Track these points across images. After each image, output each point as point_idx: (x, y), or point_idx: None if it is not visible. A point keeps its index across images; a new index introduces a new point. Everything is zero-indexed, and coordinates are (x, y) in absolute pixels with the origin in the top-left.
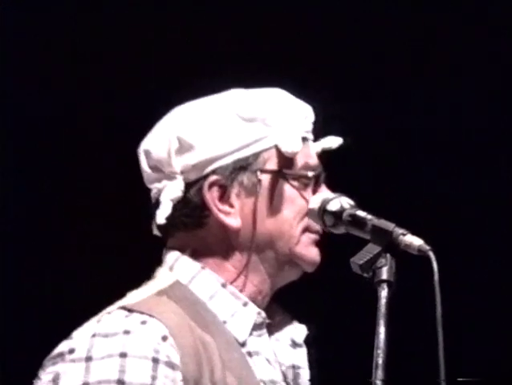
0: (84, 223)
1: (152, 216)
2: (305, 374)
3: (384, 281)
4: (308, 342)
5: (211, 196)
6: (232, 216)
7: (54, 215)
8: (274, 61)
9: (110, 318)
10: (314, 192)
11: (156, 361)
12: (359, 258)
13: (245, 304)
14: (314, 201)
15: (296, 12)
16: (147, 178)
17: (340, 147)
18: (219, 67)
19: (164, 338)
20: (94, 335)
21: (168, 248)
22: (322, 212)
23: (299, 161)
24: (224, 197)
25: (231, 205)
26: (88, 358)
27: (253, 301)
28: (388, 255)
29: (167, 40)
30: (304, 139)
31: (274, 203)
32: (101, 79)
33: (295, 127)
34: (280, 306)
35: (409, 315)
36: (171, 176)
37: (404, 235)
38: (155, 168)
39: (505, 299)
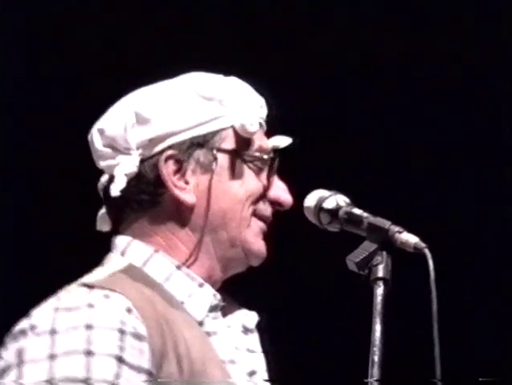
0: (85, 223)
1: (105, 195)
2: (260, 358)
3: (379, 278)
4: (260, 328)
5: (167, 171)
6: (187, 192)
7: (55, 215)
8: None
9: (71, 294)
10: (268, 178)
11: (122, 332)
12: (355, 256)
13: (200, 285)
14: (310, 199)
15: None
16: (100, 156)
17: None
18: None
19: (129, 310)
20: (56, 310)
21: (118, 233)
22: (318, 209)
23: (255, 143)
24: (179, 173)
25: (186, 182)
26: (53, 331)
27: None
28: (384, 253)
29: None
30: (260, 125)
31: (229, 182)
32: (102, 79)
33: (252, 111)
34: (228, 295)
35: (405, 313)
36: (126, 152)
37: (399, 233)
38: (109, 146)
39: (502, 297)
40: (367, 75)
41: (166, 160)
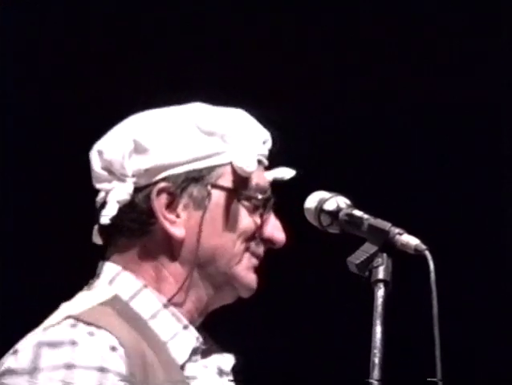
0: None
1: (97, 217)
2: None
3: (380, 280)
4: (235, 371)
5: (159, 203)
6: (177, 225)
7: (54, 214)
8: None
9: (56, 328)
10: (262, 216)
11: (103, 370)
12: (356, 258)
13: (185, 327)
14: (311, 201)
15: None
16: (96, 178)
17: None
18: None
19: (113, 349)
20: (39, 345)
21: (107, 258)
22: (318, 211)
23: (252, 182)
24: (171, 206)
25: (177, 215)
26: (33, 369)
27: (191, 321)
28: (385, 254)
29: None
30: (259, 162)
31: (221, 219)
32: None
33: (252, 148)
34: (207, 334)
35: (406, 315)
36: (121, 178)
37: (400, 234)
38: (106, 169)
39: (503, 298)
40: (368, 75)
41: (159, 192)
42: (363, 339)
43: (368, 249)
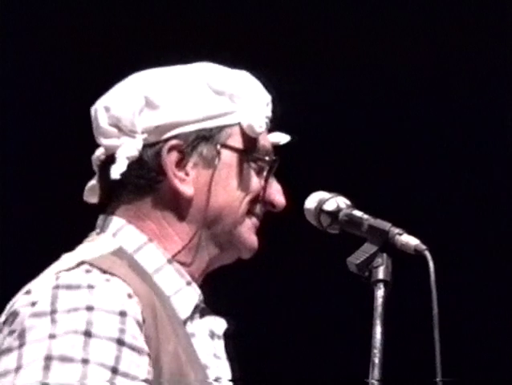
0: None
1: (102, 173)
2: (226, 366)
3: (380, 280)
4: (228, 335)
5: (169, 160)
6: (186, 183)
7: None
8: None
9: (70, 272)
10: (267, 179)
11: (123, 315)
12: (356, 258)
13: (188, 283)
14: (311, 201)
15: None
16: (103, 134)
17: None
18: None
19: (130, 296)
20: (56, 287)
21: (110, 213)
22: (318, 211)
23: (259, 144)
24: (181, 164)
25: (187, 173)
26: (53, 311)
27: (193, 279)
28: (385, 255)
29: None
30: (265, 124)
31: (229, 179)
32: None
33: (260, 110)
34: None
35: (406, 315)
36: (130, 135)
37: (400, 235)
38: (114, 125)
39: (503, 298)
40: (367, 74)
41: (170, 149)
42: (363, 339)
43: (368, 249)
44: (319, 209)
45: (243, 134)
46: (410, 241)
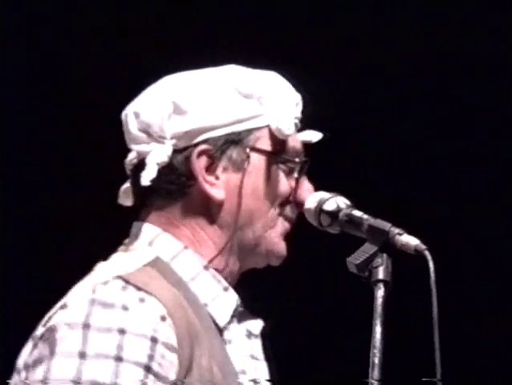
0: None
1: (133, 178)
2: (263, 367)
3: (380, 280)
4: (265, 334)
5: (199, 165)
6: (216, 187)
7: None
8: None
9: (106, 287)
10: (298, 180)
11: (154, 340)
12: (356, 258)
13: (225, 289)
14: (311, 201)
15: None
16: (132, 140)
17: (326, 143)
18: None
19: (163, 318)
20: (92, 302)
21: (142, 219)
22: (318, 211)
23: (289, 145)
24: (211, 168)
25: (217, 177)
26: (86, 326)
27: (228, 283)
28: (385, 255)
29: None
30: (295, 125)
31: (259, 182)
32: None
33: (288, 111)
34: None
35: (406, 315)
36: (160, 140)
37: (400, 235)
38: (143, 131)
39: (503, 298)
40: (368, 75)
41: (200, 154)
42: (363, 339)
43: (368, 249)
44: (319, 209)
45: (272, 136)
46: (410, 241)
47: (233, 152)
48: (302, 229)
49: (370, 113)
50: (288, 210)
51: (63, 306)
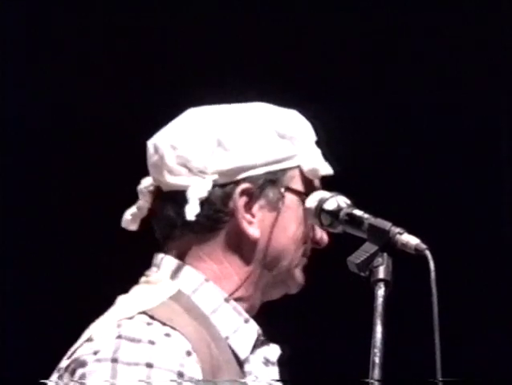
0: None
1: (160, 207)
2: None
3: (380, 280)
4: (281, 362)
5: (241, 203)
6: (253, 226)
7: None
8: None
9: (131, 323)
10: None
11: (181, 375)
12: (356, 257)
13: (246, 320)
14: (311, 200)
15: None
16: (171, 171)
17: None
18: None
19: (189, 354)
20: (119, 337)
21: (166, 251)
22: (319, 211)
23: (315, 185)
24: (248, 206)
25: (253, 215)
26: (114, 360)
27: (248, 314)
28: (385, 254)
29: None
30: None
31: (290, 222)
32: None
33: (315, 151)
34: None
35: (406, 314)
36: (200, 175)
37: (400, 234)
38: (183, 165)
39: (503, 298)
40: (368, 76)
41: (242, 192)
42: (364, 339)
43: (369, 248)
44: (320, 209)
45: (303, 176)
46: (410, 240)
47: (270, 192)
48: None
49: (370, 111)
50: (308, 248)
51: (89, 340)
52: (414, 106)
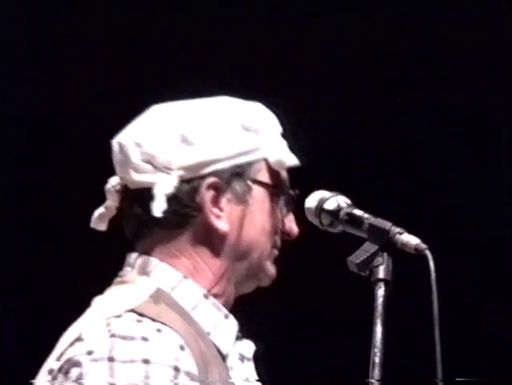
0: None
1: (128, 206)
2: None
3: (380, 280)
4: (256, 357)
5: (207, 197)
6: (222, 220)
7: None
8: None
9: (121, 321)
10: (287, 211)
11: (177, 369)
12: (356, 257)
13: (226, 316)
14: (311, 200)
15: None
16: (136, 169)
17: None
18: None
19: (182, 348)
20: (113, 336)
21: (139, 250)
22: (319, 210)
23: (282, 177)
24: (216, 200)
25: (221, 209)
26: (111, 358)
27: None
28: (385, 254)
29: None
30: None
31: (259, 214)
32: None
33: (281, 142)
34: None
35: (406, 314)
36: (165, 171)
37: (400, 234)
38: (148, 162)
39: (503, 298)
40: (367, 75)
41: (209, 187)
42: (364, 339)
43: (369, 248)
44: (320, 208)
45: (269, 169)
46: (410, 240)
47: (237, 185)
48: (302, 229)
49: (370, 110)
50: (278, 240)
51: (79, 340)
52: (414, 106)
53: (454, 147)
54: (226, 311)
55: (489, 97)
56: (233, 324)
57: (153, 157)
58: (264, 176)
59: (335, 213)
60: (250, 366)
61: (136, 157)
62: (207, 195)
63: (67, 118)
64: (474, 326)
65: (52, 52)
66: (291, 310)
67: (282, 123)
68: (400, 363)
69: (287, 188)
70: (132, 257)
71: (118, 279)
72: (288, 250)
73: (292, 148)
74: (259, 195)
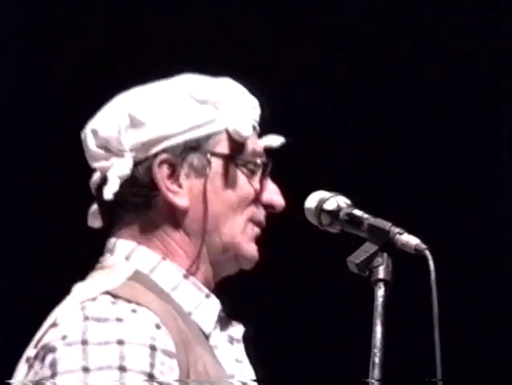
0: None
1: (98, 197)
2: (248, 369)
3: (380, 280)
4: (246, 339)
5: (160, 175)
6: (180, 195)
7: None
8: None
9: (96, 303)
10: (261, 182)
11: (153, 348)
12: (356, 257)
13: (207, 295)
14: (311, 200)
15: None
16: (93, 157)
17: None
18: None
19: (158, 327)
20: (86, 319)
21: (115, 236)
22: (318, 211)
23: (248, 148)
24: (173, 177)
25: (180, 185)
26: (84, 342)
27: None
28: (385, 254)
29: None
30: (253, 128)
31: (222, 186)
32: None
33: (245, 114)
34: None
35: (406, 314)
36: (119, 154)
37: (400, 234)
38: (102, 147)
39: (503, 298)
40: (367, 75)
41: (160, 163)
42: (363, 339)
43: (368, 248)
44: (320, 209)
45: (231, 139)
46: (410, 240)
47: (194, 159)
48: (302, 229)
49: (370, 110)
50: (256, 212)
51: (54, 325)
52: (414, 106)
53: (454, 147)
54: (207, 291)
55: (489, 97)
56: (214, 303)
57: (107, 141)
58: (224, 148)
59: (334, 214)
60: (240, 348)
61: (92, 144)
62: (160, 172)
63: (67, 118)
64: (474, 326)
65: (52, 52)
66: (291, 310)
67: (281, 123)
68: (400, 363)
69: (251, 157)
70: (111, 242)
71: (98, 265)
72: (288, 250)
73: (292, 147)
74: (220, 167)
